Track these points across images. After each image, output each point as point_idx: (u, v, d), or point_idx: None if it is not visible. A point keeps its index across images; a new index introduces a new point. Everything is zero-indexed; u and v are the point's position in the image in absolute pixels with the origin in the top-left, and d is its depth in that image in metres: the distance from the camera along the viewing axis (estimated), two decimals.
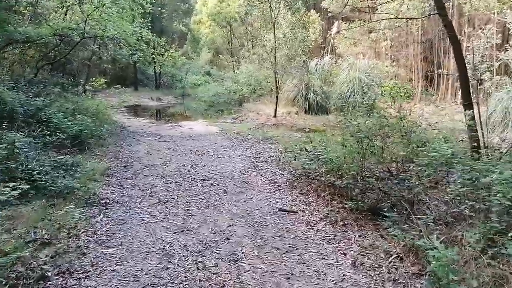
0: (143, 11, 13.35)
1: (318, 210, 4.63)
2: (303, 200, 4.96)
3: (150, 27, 16.76)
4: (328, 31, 24.38)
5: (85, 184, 5.39)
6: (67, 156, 6.79)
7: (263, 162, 7.24)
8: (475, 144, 5.79)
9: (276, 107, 16.21)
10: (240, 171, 6.58)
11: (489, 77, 11.90)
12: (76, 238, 3.77)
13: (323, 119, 16.61)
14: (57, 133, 7.36)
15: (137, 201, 5.15)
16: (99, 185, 5.68)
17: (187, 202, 5.09)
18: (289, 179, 5.86)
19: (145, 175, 6.51)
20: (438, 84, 19.55)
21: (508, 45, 13.21)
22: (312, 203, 4.85)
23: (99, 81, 13.11)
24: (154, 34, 14.02)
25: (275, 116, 16.13)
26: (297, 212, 4.61)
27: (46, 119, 7.86)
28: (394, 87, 10.06)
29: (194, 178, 6.22)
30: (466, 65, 12.09)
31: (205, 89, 27.08)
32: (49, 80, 11.76)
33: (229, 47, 31.67)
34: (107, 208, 4.75)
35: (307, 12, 20.71)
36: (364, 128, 5.12)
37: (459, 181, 3.63)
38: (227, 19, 29.60)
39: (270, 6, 15.66)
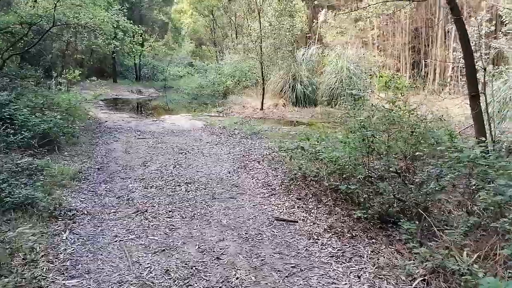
0: None
1: (320, 219, 4.05)
2: (302, 207, 4.37)
3: (128, 15, 15.80)
4: (314, 20, 23.75)
5: (50, 193, 4.67)
6: (33, 158, 6.03)
7: (253, 161, 6.62)
8: (483, 139, 5.32)
9: (263, 100, 15.58)
10: (229, 172, 5.94)
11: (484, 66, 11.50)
12: (33, 266, 3.08)
13: (311, 111, 16.10)
14: (23, 132, 6.58)
15: (112, 211, 4.46)
16: (67, 193, 4.96)
17: (169, 211, 4.44)
18: (284, 181, 5.26)
19: (122, 178, 5.80)
20: (426, 74, 19.25)
21: (500, 32, 12.86)
22: (312, 211, 4.26)
23: (72, 73, 12.14)
24: (132, 23, 13.10)
25: (261, 108, 15.51)
26: (297, 222, 4.03)
27: (9, 116, 7.04)
28: (393, 77, 9.53)
29: (177, 181, 5.55)
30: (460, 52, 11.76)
31: (188, 81, 26.16)
32: (17, 72, 10.79)
33: (212, 37, 30.72)
34: (74, 222, 4.05)
35: (291, 1, 19.99)
36: (368, 123, 4.54)
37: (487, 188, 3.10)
38: (209, 7, 28.62)
39: None
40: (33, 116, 7.15)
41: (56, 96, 9.91)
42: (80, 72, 14.59)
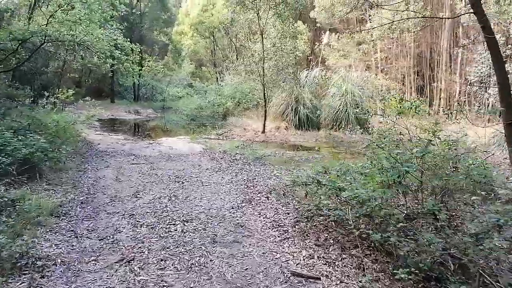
0: (116, 13, 11.87)
1: (348, 275, 3.27)
2: (323, 257, 3.59)
3: (127, 35, 15.35)
4: (316, 43, 23.52)
5: (20, 234, 3.90)
6: (8, 188, 5.28)
7: (259, 193, 5.86)
8: None
9: (265, 122, 14.95)
10: (232, 208, 5.16)
11: None
12: None
13: (315, 135, 15.46)
14: (0, 157, 5.84)
15: (91, 258, 3.67)
16: (41, 233, 4.18)
17: (161, 260, 3.65)
18: (298, 221, 4.49)
19: (108, 214, 5.02)
20: (431, 98, 18.78)
21: None
22: (336, 263, 3.48)
23: (66, 93, 11.50)
24: (131, 43, 12.59)
25: (263, 131, 14.86)
26: (319, 279, 3.24)
27: None
28: (404, 100, 8.95)
29: (172, 219, 4.78)
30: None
31: (187, 102, 25.67)
32: (3, 91, 10.15)
33: (212, 58, 30.44)
34: (43, 276, 3.26)
35: (294, 22, 19.69)
36: (398, 157, 3.82)
37: None
38: (210, 29, 28.47)
39: (258, 14, 14.51)
40: (15, 139, 6.44)
41: (44, 116, 9.21)
42: (74, 91, 13.98)
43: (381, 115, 13.87)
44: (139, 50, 12.65)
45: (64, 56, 13.35)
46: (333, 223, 4.14)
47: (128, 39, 12.49)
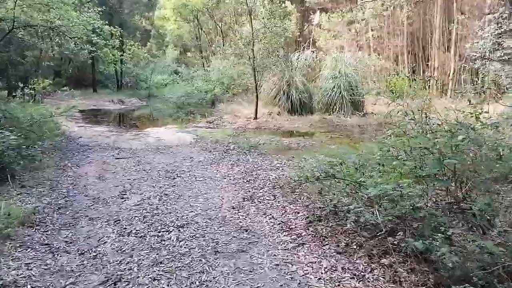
0: None
1: None
2: (349, 269, 3.01)
3: (107, 20, 14.33)
4: (305, 24, 22.72)
5: None
6: None
7: (260, 188, 5.24)
8: None
9: (257, 108, 14.27)
10: (233, 207, 4.54)
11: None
12: None
13: (309, 120, 14.86)
14: None
15: (69, 281, 3.04)
16: (9, 250, 3.51)
17: (154, 280, 3.03)
18: (311, 222, 3.89)
19: (90, 219, 4.36)
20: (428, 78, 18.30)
21: None
22: (366, 275, 2.91)
23: (41, 83, 10.62)
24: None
25: (255, 118, 14.20)
26: None
27: None
28: (408, 79, 8.39)
29: (165, 224, 4.15)
30: (476, 53, 10.72)
31: (173, 89, 24.81)
32: None
33: (198, 43, 29.35)
34: None
35: (283, 2, 18.84)
36: (431, 144, 3.23)
37: None
38: (194, 12, 27.26)
39: None
40: None
41: (18, 110, 8.37)
42: (53, 82, 13.05)
43: (384, 96, 13.31)
44: (119, 34, 11.71)
45: (39, 43, 12.35)
46: (353, 223, 3.56)
47: (108, 25, 11.58)
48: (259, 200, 4.74)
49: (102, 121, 15.23)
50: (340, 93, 15.68)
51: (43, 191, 5.36)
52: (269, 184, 5.37)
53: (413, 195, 2.91)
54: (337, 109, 15.74)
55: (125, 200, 5.04)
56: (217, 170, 6.58)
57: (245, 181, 5.66)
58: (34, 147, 6.58)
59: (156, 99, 25.32)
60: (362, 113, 15.94)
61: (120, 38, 12.48)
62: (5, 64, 13.95)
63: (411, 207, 2.83)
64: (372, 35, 18.50)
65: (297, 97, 15.60)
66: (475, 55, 10.63)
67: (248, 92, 19.61)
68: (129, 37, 25.17)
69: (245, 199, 4.79)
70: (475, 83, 11.86)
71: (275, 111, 15.47)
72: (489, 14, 12.46)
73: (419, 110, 6.96)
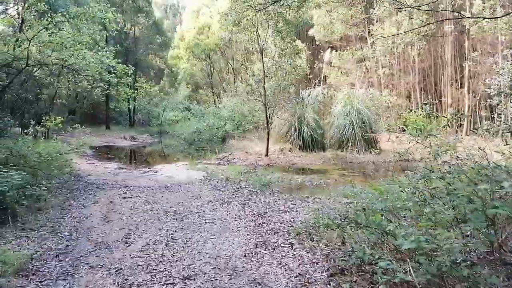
0: (106, 33, 11.15)
1: None
2: None
3: (122, 61, 14.65)
4: (315, 61, 22.99)
5: None
6: None
7: (274, 233, 4.87)
8: None
9: (268, 145, 14.06)
10: (244, 255, 4.16)
11: None
12: None
13: (321, 156, 14.55)
14: None
15: None
16: None
17: None
18: (332, 275, 3.48)
19: (90, 268, 4.03)
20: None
21: None
22: None
23: (53, 120, 10.65)
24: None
25: (267, 154, 13.95)
26: None
27: None
28: (427, 116, 8.12)
29: (170, 274, 3.78)
30: (494, 89, 10.46)
31: (184, 126, 24.92)
32: None
33: (209, 81, 29.88)
34: None
35: (294, 40, 19.19)
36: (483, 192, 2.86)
37: None
38: (206, 51, 28.01)
39: (257, 31, 13.86)
40: None
41: (26, 147, 8.28)
42: (65, 118, 13.14)
43: (403, 133, 12.90)
44: (132, 72, 11.85)
45: (54, 82, 12.56)
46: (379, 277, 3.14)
47: (122, 63, 11.78)
48: (272, 246, 4.36)
49: (112, 158, 15.16)
50: (352, 129, 15.44)
51: (44, 234, 5.07)
52: (283, 228, 4.99)
53: (453, 249, 2.53)
54: (350, 145, 15.44)
55: (129, 245, 4.71)
56: (227, 211, 6.23)
57: (257, 224, 5.30)
58: (40, 186, 6.38)
59: (168, 135, 25.45)
60: (377, 150, 15.59)
61: (133, 76, 12.60)
62: (20, 102, 14.21)
63: (452, 264, 2.44)
64: (384, 72, 18.52)
65: (308, 134, 15.40)
66: (493, 91, 10.35)
67: (258, 129, 19.55)
68: (143, 76, 25.81)
69: (258, 246, 4.42)
70: (493, 120, 11.48)
71: (287, 147, 15.23)
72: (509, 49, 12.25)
73: (448, 149, 6.61)
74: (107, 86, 11.64)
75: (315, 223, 4.50)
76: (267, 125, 14.12)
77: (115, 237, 5.04)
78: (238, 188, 8.37)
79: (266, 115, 14.07)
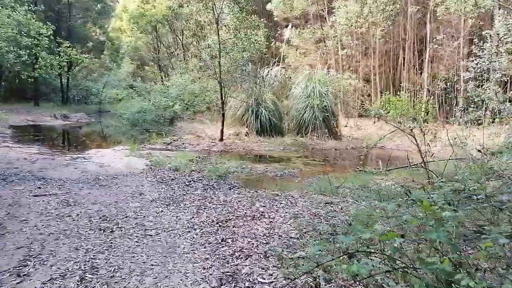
0: None
1: None
2: None
3: (52, 27, 12.09)
4: (272, 40, 21.53)
5: None
6: None
7: (245, 256, 3.40)
8: None
9: (223, 128, 12.50)
10: None
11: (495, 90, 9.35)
12: None
13: (281, 142, 13.34)
14: None
15: None
16: None
17: None
18: None
19: None
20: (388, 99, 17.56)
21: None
22: None
23: None
24: (57, 37, 9.54)
25: (221, 139, 12.41)
26: None
27: None
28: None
29: None
30: (471, 71, 9.80)
31: (127, 105, 22.35)
32: None
33: (156, 56, 27.27)
34: None
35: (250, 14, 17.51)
36: None
37: None
38: (152, 23, 25.32)
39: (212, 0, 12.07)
40: None
41: None
42: None
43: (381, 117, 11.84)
44: (52, 33, 9.54)
45: None
46: None
47: (55, 35, 9.47)
48: (246, 281, 2.91)
49: (34, 140, 12.67)
50: (313, 113, 14.39)
51: None
52: (257, 247, 3.55)
53: None
54: (310, 131, 14.40)
55: (21, 282, 3.02)
56: (176, 216, 4.68)
57: (220, 239, 3.81)
58: None
59: (108, 115, 22.84)
60: (338, 136, 14.73)
61: (55, 40, 10.30)
62: None
63: None
64: (346, 52, 17.54)
65: (266, 117, 14.09)
66: (469, 75, 9.68)
67: (211, 110, 17.88)
68: (79, 47, 22.66)
69: (223, 280, 2.95)
70: (466, 107, 10.91)
71: (243, 131, 13.81)
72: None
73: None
74: (24, 53, 9.29)
75: (299, 239, 3.14)
76: (222, 106, 12.53)
77: (4, 263, 3.30)
78: (190, 182, 6.81)
79: (221, 95, 12.45)
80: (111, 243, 3.83)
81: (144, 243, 3.84)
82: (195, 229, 4.18)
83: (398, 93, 16.46)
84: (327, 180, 6.80)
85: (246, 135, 13.58)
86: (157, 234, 4.08)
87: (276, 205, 4.97)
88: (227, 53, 12.45)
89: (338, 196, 5.62)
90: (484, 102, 9.08)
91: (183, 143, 12.03)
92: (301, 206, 4.84)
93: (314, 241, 3.14)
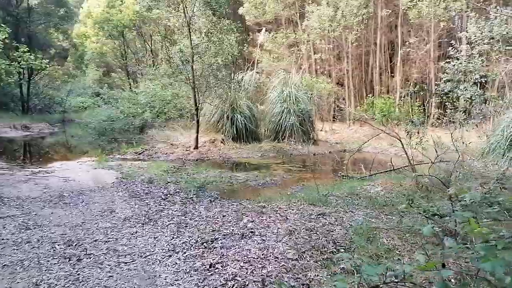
0: None
1: None
2: None
3: (11, 33, 11.14)
4: (245, 44, 21.19)
5: None
6: None
7: (239, 285, 2.93)
8: None
9: (197, 136, 11.95)
10: None
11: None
12: None
13: (258, 149, 12.93)
14: None
15: None
16: None
17: None
18: None
19: None
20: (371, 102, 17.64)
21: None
22: None
23: None
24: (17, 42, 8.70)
25: (196, 147, 11.85)
26: None
27: None
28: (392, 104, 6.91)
29: None
30: (448, 73, 9.79)
31: (93, 113, 21.29)
32: None
33: (124, 62, 26.25)
34: None
35: (223, 16, 17.07)
36: None
37: None
38: (119, 28, 24.34)
39: (182, 1, 11.57)
40: None
41: None
42: None
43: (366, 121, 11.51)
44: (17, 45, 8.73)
45: None
46: None
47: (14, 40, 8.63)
48: None
49: None
50: (289, 118, 14.09)
51: None
52: (253, 275, 3.08)
53: None
54: (287, 136, 14.09)
55: None
56: (154, 238, 4.13)
57: (207, 265, 3.31)
58: None
59: (73, 124, 21.65)
60: (314, 141, 14.51)
61: (14, 46, 9.44)
62: None
63: None
64: (320, 56, 17.41)
65: (242, 123, 13.64)
66: (447, 76, 9.68)
67: (184, 117, 17.22)
68: (39, 52, 21.38)
69: None
70: (445, 109, 10.92)
71: (218, 138, 13.28)
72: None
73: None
74: None
75: (298, 260, 2.72)
76: (197, 112, 11.97)
77: None
78: (166, 195, 6.24)
79: (195, 101, 11.91)
80: (78, 274, 3.25)
81: (117, 273, 3.28)
82: (177, 253, 3.66)
83: (370, 96, 16.48)
84: (313, 188, 6.46)
85: (222, 142, 13.07)
86: (132, 261, 3.53)
87: (265, 220, 4.53)
88: (200, 57, 11.94)
89: (329, 206, 5.26)
90: (464, 103, 9.10)
91: (155, 152, 11.36)
92: (292, 220, 4.43)
93: (328, 273, 2.70)
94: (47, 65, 11.01)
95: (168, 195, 6.22)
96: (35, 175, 7.94)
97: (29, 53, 9.71)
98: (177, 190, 6.62)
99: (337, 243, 3.49)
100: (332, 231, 3.91)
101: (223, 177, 8.20)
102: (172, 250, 3.74)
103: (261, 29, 21.40)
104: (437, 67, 13.75)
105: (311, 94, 15.21)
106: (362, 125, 17.49)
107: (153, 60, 24.62)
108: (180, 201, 5.86)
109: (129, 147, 12.37)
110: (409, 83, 15.32)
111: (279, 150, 12.88)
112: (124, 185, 6.94)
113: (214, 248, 3.65)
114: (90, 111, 23.09)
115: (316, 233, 3.81)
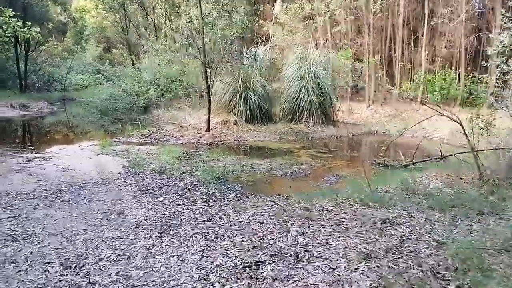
0: None
1: None
2: None
3: (6, 4, 9.90)
4: (254, 18, 19.77)
5: None
6: None
7: None
8: None
9: (209, 117, 10.87)
10: None
11: None
12: None
13: (274, 131, 11.84)
14: None
15: None
16: None
17: None
18: None
19: None
20: (393, 77, 16.40)
21: None
22: None
23: None
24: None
25: (208, 129, 10.79)
26: None
27: None
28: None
29: None
30: (498, 45, 8.58)
31: (95, 91, 20.15)
32: None
33: (125, 37, 24.85)
34: None
35: None
36: None
37: None
38: (120, 0, 22.83)
39: None
40: None
41: None
42: None
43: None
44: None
45: None
46: None
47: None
48: None
49: None
50: (308, 97, 12.94)
51: None
52: None
53: None
54: (305, 117, 12.97)
55: None
56: (177, 256, 3.15)
57: None
58: None
59: (73, 103, 20.50)
60: (335, 123, 13.42)
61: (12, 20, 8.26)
62: None
63: None
64: (339, 29, 15.98)
65: (256, 103, 12.50)
66: (495, 50, 8.49)
67: (190, 96, 16.08)
68: (35, 26, 19.99)
69: None
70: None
71: (231, 120, 12.18)
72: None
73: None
74: None
75: None
76: (208, 90, 10.84)
77: None
78: (183, 190, 5.24)
79: (206, 78, 10.75)
80: None
81: None
82: (212, 285, 2.67)
83: (418, 71, 14.86)
84: (351, 180, 5.47)
85: (234, 124, 11.99)
86: None
87: (319, 230, 3.52)
88: (211, 29, 10.71)
89: (387, 207, 4.25)
90: None
91: (164, 135, 10.33)
92: (354, 232, 3.43)
93: None
94: (39, 35, 9.77)
95: (186, 190, 5.22)
96: (30, 163, 6.96)
97: (15, 19, 8.49)
98: (195, 183, 5.62)
99: (438, 275, 2.49)
100: (419, 252, 2.92)
101: (244, 165, 7.19)
102: (205, 279, 2.75)
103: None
104: (469, 40, 12.49)
105: (331, 71, 13.95)
106: (383, 105, 16.35)
107: (156, 35, 23.22)
108: (200, 198, 4.87)
109: (134, 129, 11.35)
110: (438, 58, 14.03)
111: (297, 132, 11.82)
112: (132, 177, 5.94)
113: (264, 280, 2.66)
114: (92, 89, 21.93)
115: (400, 256, 2.81)
